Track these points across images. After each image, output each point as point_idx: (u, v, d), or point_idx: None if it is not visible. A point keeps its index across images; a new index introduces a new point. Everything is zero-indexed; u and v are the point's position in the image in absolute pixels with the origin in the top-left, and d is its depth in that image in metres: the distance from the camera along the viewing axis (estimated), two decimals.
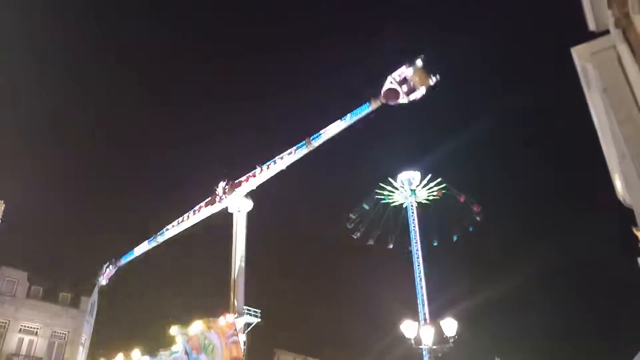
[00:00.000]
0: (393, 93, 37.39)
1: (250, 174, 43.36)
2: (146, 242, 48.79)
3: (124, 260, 49.69)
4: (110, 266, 48.98)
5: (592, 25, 11.51)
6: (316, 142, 41.39)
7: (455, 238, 64.66)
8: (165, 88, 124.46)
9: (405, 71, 37.31)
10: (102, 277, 48.29)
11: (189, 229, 46.57)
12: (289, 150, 42.16)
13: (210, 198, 44.82)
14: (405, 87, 37.30)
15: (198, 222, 46.06)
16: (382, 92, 38.20)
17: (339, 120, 40.33)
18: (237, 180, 43.90)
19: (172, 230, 47.18)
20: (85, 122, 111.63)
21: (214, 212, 44.98)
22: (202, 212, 45.47)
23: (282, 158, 42.00)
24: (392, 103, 37.92)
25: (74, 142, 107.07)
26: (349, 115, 40.18)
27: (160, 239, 47.90)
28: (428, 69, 36.22)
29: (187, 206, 46.82)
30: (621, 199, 16.25)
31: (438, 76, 36.74)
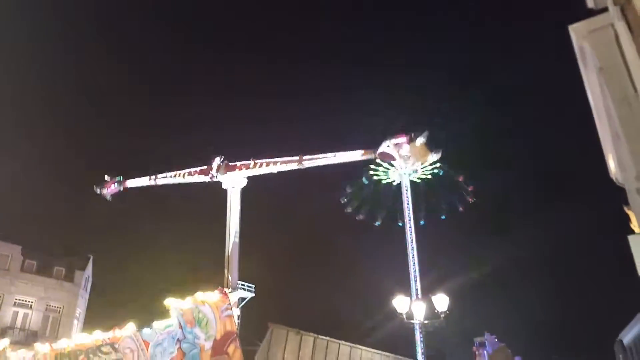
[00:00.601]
0: (388, 155, 39.87)
1: (245, 163, 44.21)
2: (147, 177, 49.28)
3: (129, 184, 49.86)
4: (116, 183, 49.14)
5: (590, 2, 11.40)
6: (307, 164, 43.45)
7: (443, 217, 65.25)
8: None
9: (403, 142, 39.26)
10: (106, 189, 48.62)
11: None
12: (282, 159, 43.87)
13: (205, 167, 45.33)
14: (402, 152, 39.61)
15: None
16: (377, 153, 40.67)
17: (331, 154, 43.32)
18: (232, 163, 44.53)
19: (168, 179, 47.80)
20: (78, 98, 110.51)
21: (206, 181, 45.69)
22: (195, 177, 46.12)
23: (275, 164, 43.87)
24: (387, 160, 40.41)
25: (69, 120, 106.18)
26: (339, 154, 43.71)
27: (160, 181, 48.34)
28: (430, 144, 37.94)
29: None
30: (614, 178, 16.37)
31: (439, 153, 38.40)
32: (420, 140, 37.84)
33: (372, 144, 43.54)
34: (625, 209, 16.45)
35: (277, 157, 43.97)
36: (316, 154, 43.50)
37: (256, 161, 44.15)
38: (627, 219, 16.66)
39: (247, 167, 44.01)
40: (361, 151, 43.93)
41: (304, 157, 43.38)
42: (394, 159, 41.83)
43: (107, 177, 49.53)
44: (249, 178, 45.55)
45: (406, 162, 41.62)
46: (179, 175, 46.81)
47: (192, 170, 46.23)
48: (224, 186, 44.52)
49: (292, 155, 43.61)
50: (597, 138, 16.44)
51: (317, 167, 45.71)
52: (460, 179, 64.11)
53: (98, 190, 48.91)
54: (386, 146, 40.37)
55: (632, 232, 14.69)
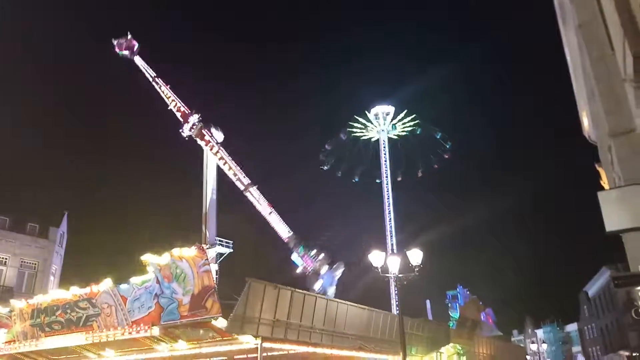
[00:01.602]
0: None
1: (212, 142, 43.25)
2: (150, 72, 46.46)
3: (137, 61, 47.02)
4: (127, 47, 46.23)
5: None
6: (251, 191, 43.02)
7: (420, 173, 66.02)
8: None
9: None
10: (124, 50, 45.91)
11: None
12: (238, 174, 43.51)
13: (184, 112, 44.10)
14: None
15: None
16: None
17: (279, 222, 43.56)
18: (203, 131, 43.40)
19: (163, 89, 45.68)
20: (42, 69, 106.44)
21: (177, 120, 44.64)
22: (176, 112, 44.86)
23: (229, 169, 43.56)
24: None
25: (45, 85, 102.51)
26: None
27: (155, 83, 45.95)
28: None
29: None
30: (587, 136, 16.61)
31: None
32: None
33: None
34: (597, 166, 16.76)
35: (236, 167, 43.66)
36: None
37: (219, 151, 43.41)
38: (598, 176, 17.01)
39: (211, 149, 43.29)
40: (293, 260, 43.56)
41: (251, 189, 43.35)
42: None
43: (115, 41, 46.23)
44: (226, 133, 45.02)
45: None
46: (169, 98, 44.82)
47: (179, 105, 44.57)
48: (199, 142, 43.99)
49: (248, 178, 43.86)
50: (573, 96, 16.58)
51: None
52: (438, 136, 64.66)
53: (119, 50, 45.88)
54: None
55: (602, 189, 15.02)
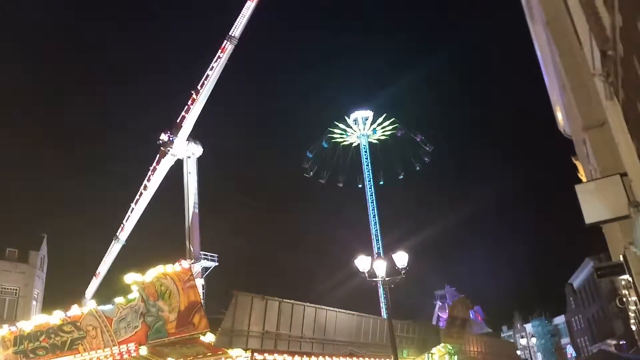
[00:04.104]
0: None
1: (189, 102, 42.30)
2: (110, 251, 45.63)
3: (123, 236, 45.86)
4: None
5: None
6: (237, 32, 42.01)
7: (401, 176, 66.41)
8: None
9: None
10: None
11: (141, 179, 44.70)
12: (215, 57, 42.16)
13: (159, 154, 43.06)
14: None
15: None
16: None
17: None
18: (178, 119, 42.55)
19: (134, 216, 44.61)
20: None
21: (169, 165, 43.36)
22: (158, 173, 43.34)
23: (212, 68, 42.08)
24: None
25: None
26: None
27: (124, 237, 45.08)
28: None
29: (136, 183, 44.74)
30: (562, 130, 16.85)
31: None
32: None
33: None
34: (573, 159, 17.01)
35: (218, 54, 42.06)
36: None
37: (196, 88, 42.22)
38: (576, 169, 17.26)
39: (194, 102, 42.11)
40: None
41: (230, 33, 42.09)
42: None
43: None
44: (204, 145, 44.57)
45: None
46: (147, 181, 43.88)
47: (151, 168, 43.53)
48: (179, 157, 43.53)
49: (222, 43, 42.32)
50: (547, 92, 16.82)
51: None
52: (418, 138, 65.12)
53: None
54: None
55: (580, 181, 15.25)
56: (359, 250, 17.85)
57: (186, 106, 42.30)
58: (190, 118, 42.33)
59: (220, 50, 42.21)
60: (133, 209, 44.44)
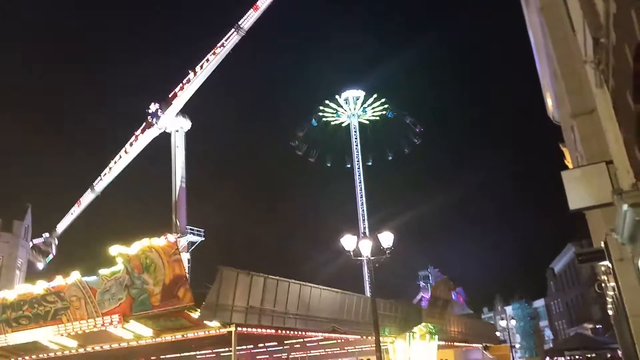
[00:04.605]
0: None
1: (184, 81, 41.83)
2: (84, 199, 46.89)
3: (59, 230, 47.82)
4: (51, 242, 46.61)
5: None
6: (247, 24, 41.26)
7: (390, 157, 66.53)
8: None
9: None
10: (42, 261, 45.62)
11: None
12: (219, 44, 41.32)
13: (145, 123, 42.98)
14: None
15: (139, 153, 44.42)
16: None
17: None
18: (170, 95, 42.22)
19: (111, 173, 45.36)
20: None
21: (153, 136, 43.35)
22: (140, 141, 43.60)
23: (214, 54, 41.18)
24: None
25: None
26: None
27: (99, 188, 46.07)
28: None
29: (121, 142, 45.24)
30: (551, 117, 16.94)
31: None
32: None
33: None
34: (561, 146, 17.14)
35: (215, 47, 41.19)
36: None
37: (194, 69, 41.72)
38: (562, 155, 17.41)
39: (189, 82, 41.70)
40: None
41: (240, 24, 41.12)
42: None
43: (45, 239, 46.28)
44: (193, 120, 44.21)
45: None
46: (130, 145, 44.04)
47: (136, 133, 43.61)
48: (167, 130, 43.14)
49: (228, 32, 41.39)
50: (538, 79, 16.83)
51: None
52: (408, 120, 65.05)
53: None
54: None
55: (567, 167, 15.40)
56: (345, 229, 17.96)
57: (180, 84, 41.89)
58: (182, 96, 41.97)
59: (225, 38, 41.24)
60: (112, 167, 45.23)
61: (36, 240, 44.86)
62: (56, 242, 46.99)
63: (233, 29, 41.06)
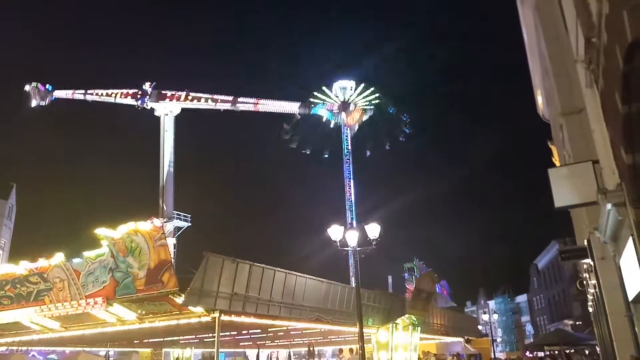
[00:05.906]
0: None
1: (177, 93, 43.37)
2: (78, 90, 48.05)
3: (58, 94, 49.00)
4: (43, 92, 47.40)
5: None
6: (241, 107, 44.09)
7: (387, 147, 66.67)
8: None
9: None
10: (36, 97, 46.37)
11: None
12: (216, 97, 43.45)
13: (136, 91, 44.03)
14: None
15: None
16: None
17: (268, 101, 45.22)
18: (163, 92, 43.43)
19: (98, 97, 46.56)
20: None
21: (135, 104, 44.65)
22: (126, 100, 45.03)
23: (207, 100, 43.53)
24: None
25: None
26: (275, 103, 47.22)
27: (90, 97, 47.17)
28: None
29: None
30: (541, 114, 17.04)
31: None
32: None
33: (307, 92, 45.97)
34: (549, 143, 17.26)
35: (211, 95, 43.99)
36: (251, 97, 44.05)
37: (190, 93, 43.46)
38: (550, 153, 17.54)
39: (179, 99, 42.95)
40: (298, 104, 47.23)
41: (239, 100, 43.89)
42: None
43: (27, 87, 47.30)
44: (183, 108, 44.17)
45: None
46: (111, 95, 45.24)
47: (123, 91, 44.64)
48: (157, 113, 42.92)
49: (227, 95, 43.75)
50: (529, 76, 16.89)
51: (257, 96, 45.19)
52: (391, 110, 65.16)
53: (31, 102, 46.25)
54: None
55: (554, 165, 15.50)
56: (332, 219, 18.01)
57: (177, 93, 44.18)
58: (170, 104, 43.67)
59: (223, 99, 44.77)
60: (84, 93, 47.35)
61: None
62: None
63: (231, 99, 43.91)
